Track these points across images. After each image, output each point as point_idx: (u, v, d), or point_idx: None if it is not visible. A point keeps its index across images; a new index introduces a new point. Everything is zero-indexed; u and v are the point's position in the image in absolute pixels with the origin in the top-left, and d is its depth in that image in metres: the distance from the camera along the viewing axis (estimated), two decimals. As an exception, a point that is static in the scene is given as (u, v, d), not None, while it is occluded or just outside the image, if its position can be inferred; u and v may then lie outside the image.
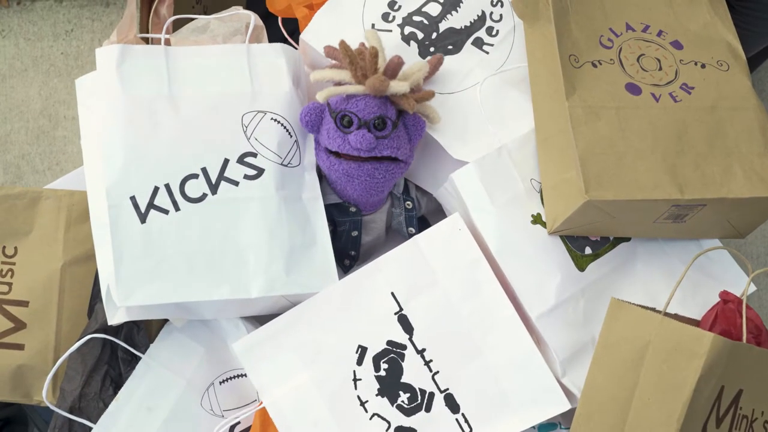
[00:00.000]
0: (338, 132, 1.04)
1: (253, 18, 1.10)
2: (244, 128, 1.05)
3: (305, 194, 1.08)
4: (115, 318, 1.00)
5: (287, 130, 1.07)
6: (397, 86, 1.02)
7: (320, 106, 1.06)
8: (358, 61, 1.02)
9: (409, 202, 1.17)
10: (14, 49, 1.81)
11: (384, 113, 1.03)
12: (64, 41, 1.82)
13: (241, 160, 1.03)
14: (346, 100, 1.04)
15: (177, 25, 1.16)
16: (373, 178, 1.06)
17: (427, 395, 1.01)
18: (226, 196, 1.02)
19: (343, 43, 1.03)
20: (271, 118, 1.06)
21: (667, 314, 0.95)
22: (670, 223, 1.01)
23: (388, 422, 1.00)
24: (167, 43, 1.11)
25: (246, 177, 1.03)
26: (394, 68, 1.03)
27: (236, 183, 1.03)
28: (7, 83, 1.79)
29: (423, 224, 1.17)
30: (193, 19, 1.15)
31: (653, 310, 0.95)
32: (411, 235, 1.14)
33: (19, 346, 1.12)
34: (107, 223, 0.99)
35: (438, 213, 1.18)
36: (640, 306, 0.93)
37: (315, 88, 1.13)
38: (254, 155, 1.04)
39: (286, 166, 1.06)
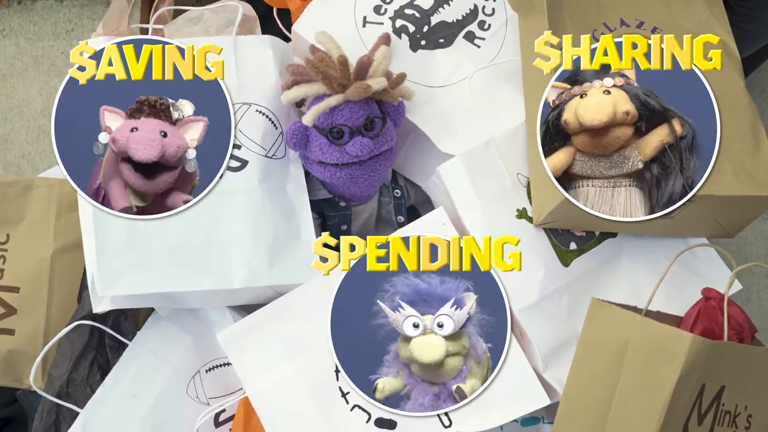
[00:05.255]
0: (333, 146, 1.03)
1: (241, 9, 1.10)
2: None
3: (290, 186, 1.08)
4: (100, 306, 1.01)
5: (272, 122, 1.07)
6: (377, 84, 1.01)
7: (303, 126, 1.04)
8: (331, 73, 1.00)
9: (397, 190, 1.18)
10: (15, 49, 1.83)
11: (370, 114, 1.03)
12: (64, 41, 1.83)
13: None
14: (330, 114, 1.02)
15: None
16: (377, 171, 1.07)
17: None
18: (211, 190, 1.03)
19: (309, 61, 1.01)
20: (257, 110, 1.06)
21: (649, 312, 0.95)
22: (657, 220, 1.01)
23: (369, 414, 1.01)
24: (160, 33, 1.12)
25: (230, 169, 1.04)
26: (365, 68, 1.01)
27: (220, 176, 1.03)
28: (8, 83, 1.81)
29: (413, 214, 1.17)
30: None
31: (635, 308, 0.94)
32: (400, 224, 1.16)
33: (10, 332, 1.14)
34: (91, 213, 1.00)
35: (428, 203, 1.18)
36: (620, 305, 0.93)
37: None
38: (238, 147, 1.05)
39: (270, 158, 1.06)
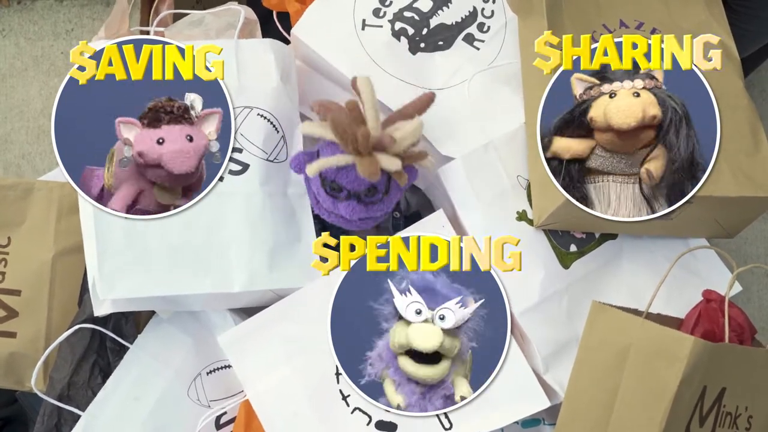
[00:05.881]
0: (328, 197, 1.01)
1: (243, 12, 1.10)
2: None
3: (291, 189, 1.08)
4: (101, 309, 1.02)
5: (274, 126, 1.07)
6: (389, 165, 0.96)
7: (308, 157, 1.02)
8: (349, 135, 0.95)
9: (396, 213, 1.18)
10: (14, 49, 1.83)
11: (374, 183, 0.99)
12: (64, 41, 1.83)
13: None
14: (336, 168, 0.98)
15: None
16: (365, 225, 1.07)
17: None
18: (210, 191, 1.03)
19: (333, 119, 0.95)
20: (258, 114, 1.06)
21: (650, 314, 0.95)
22: (657, 220, 1.01)
23: (370, 416, 1.01)
24: (161, 36, 1.12)
25: (231, 172, 1.04)
26: (385, 145, 0.97)
27: (221, 178, 1.03)
28: (8, 83, 1.81)
29: (416, 219, 1.17)
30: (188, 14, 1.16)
31: (635, 311, 0.94)
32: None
33: (12, 334, 1.14)
34: (92, 214, 1.00)
35: (430, 209, 1.17)
36: (621, 308, 0.93)
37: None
38: (239, 150, 1.05)
39: (272, 161, 1.06)
